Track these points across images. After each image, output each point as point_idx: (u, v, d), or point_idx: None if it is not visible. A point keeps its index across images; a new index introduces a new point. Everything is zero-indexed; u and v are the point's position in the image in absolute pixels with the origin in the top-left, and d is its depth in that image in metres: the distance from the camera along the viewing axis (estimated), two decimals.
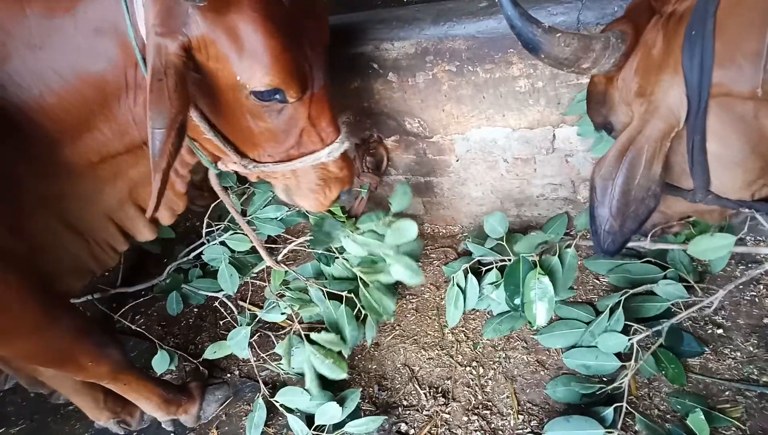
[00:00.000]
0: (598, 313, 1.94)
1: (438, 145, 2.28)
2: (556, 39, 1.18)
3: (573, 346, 1.93)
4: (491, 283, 2.08)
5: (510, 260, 2.03)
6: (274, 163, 1.50)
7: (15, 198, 1.36)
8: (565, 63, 1.23)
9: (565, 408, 1.84)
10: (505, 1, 1.14)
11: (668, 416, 1.74)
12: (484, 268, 2.17)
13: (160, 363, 2.20)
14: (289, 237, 2.33)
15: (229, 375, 2.24)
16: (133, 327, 2.45)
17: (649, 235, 1.81)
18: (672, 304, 1.92)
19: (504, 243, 2.10)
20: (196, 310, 2.58)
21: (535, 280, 1.84)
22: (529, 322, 1.88)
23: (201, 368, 2.25)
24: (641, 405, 1.77)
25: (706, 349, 1.83)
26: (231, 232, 2.26)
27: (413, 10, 2.01)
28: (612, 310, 1.86)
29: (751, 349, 1.81)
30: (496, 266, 2.09)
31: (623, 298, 1.87)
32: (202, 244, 2.41)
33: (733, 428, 1.65)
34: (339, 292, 1.97)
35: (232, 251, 2.28)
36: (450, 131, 2.21)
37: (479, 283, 2.10)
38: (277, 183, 1.67)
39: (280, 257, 2.09)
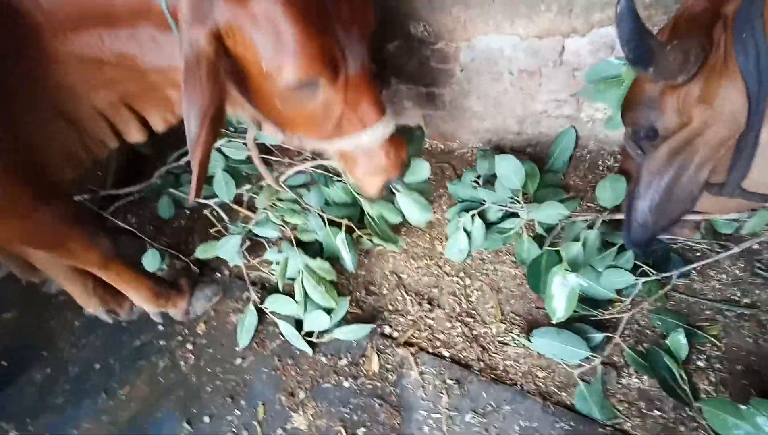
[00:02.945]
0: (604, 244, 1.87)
1: (442, 52, 2.19)
2: (668, 55, 1.18)
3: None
4: (501, 230, 2.03)
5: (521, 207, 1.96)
6: (317, 141, 1.44)
7: (10, 83, 1.31)
8: (670, 76, 1.23)
9: (548, 323, 1.87)
10: (627, 10, 1.11)
11: (648, 332, 1.77)
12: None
13: (151, 261, 2.21)
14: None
15: (219, 274, 2.26)
16: (122, 225, 2.44)
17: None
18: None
19: (520, 198, 1.99)
20: (188, 212, 2.57)
21: (560, 274, 1.74)
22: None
23: (192, 266, 2.26)
24: (627, 328, 1.79)
25: (693, 271, 1.84)
26: (227, 139, 2.21)
27: None
28: (622, 248, 1.80)
29: (737, 272, 1.82)
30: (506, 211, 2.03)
31: None
32: None
33: (709, 344, 1.69)
34: (338, 219, 1.95)
35: (227, 158, 2.23)
36: (456, 37, 2.11)
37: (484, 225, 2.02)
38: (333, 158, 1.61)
39: (282, 179, 2.04)
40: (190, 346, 2.06)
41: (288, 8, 1.10)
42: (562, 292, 1.73)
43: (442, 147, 2.56)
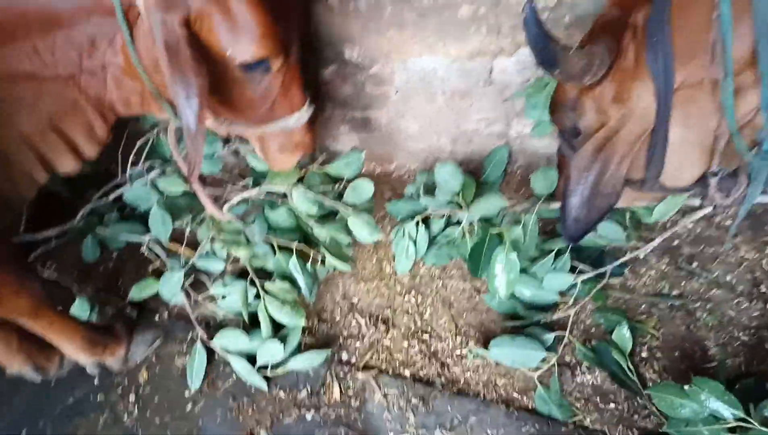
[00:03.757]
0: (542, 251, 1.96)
1: (377, 76, 2.23)
2: (570, 58, 1.27)
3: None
4: (445, 237, 2.08)
5: (461, 211, 2.02)
6: (247, 124, 1.57)
7: None
8: (574, 78, 1.33)
9: (501, 332, 1.93)
10: (531, 20, 1.21)
11: (593, 330, 1.88)
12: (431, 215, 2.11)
13: (80, 310, 2.04)
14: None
15: (157, 316, 2.12)
16: (44, 276, 2.23)
17: None
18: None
19: (460, 199, 2.05)
20: (114, 255, 2.40)
21: (503, 254, 1.82)
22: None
23: (128, 309, 2.10)
24: (574, 328, 1.89)
25: (625, 270, 1.98)
26: (158, 171, 2.10)
27: None
28: (559, 253, 1.89)
29: (663, 267, 1.98)
30: (446, 217, 2.08)
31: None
32: (119, 185, 2.23)
33: (649, 335, 1.82)
34: (287, 244, 1.94)
35: (161, 193, 2.12)
36: (391, 60, 2.16)
37: (428, 233, 2.07)
38: (250, 141, 1.75)
39: (226, 208, 1.97)
40: (132, 397, 1.91)
41: None
42: (503, 271, 1.82)
43: (380, 169, 2.59)
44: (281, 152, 1.71)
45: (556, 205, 1.95)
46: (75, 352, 1.82)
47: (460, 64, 2.09)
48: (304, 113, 1.61)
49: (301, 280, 1.90)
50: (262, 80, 1.43)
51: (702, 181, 1.54)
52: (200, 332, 1.91)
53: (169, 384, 1.91)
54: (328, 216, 2.06)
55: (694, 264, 1.96)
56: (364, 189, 1.95)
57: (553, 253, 1.91)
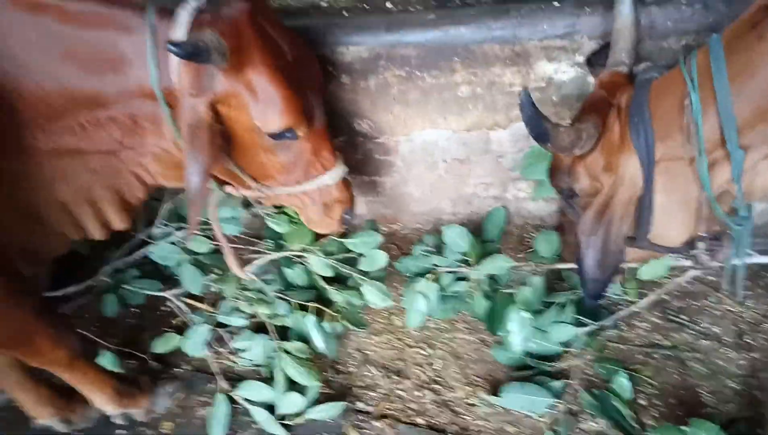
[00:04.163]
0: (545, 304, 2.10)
1: (384, 145, 2.45)
2: (560, 133, 1.50)
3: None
4: (453, 292, 2.21)
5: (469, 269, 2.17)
6: (284, 187, 1.72)
7: None
8: (564, 150, 1.56)
9: (509, 379, 2.04)
10: (526, 101, 1.45)
11: (593, 379, 2.00)
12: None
13: (105, 363, 2.13)
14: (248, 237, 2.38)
15: (178, 369, 2.22)
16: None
17: None
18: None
19: (469, 258, 2.20)
20: (133, 310, 2.52)
21: (514, 313, 1.96)
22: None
23: (150, 362, 2.20)
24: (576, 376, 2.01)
25: (621, 323, 2.13)
26: (183, 230, 2.26)
27: (368, 19, 2.18)
28: (563, 305, 2.04)
29: (655, 319, 2.14)
30: (454, 273, 2.21)
31: (574, 297, 2.06)
32: (143, 243, 2.39)
33: (645, 383, 1.94)
34: (305, 303, 2.08)
35: (189, 252, 2.29)
36: (396, 132, 2.39)
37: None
38: (289, 206, 1.91)
39: (250, 268, 2.11)
40: None
41: (274, 76, 1.43)
42: (518, 329, 1.95)
43: (386, 229, 2.76)
44: (323, 212, 1.82)
45: (560, 265, 2.13)
46: (104, 402, 1.91)
47: (459, 135, 2.32)
48: (338, 170, 1.75)
49: (317, 339, 2.03)
50: (291, 146, 1.59)
51: (690, 243, 1.73)
52: (223, 384, 2.01)
53: (192, 433, 1.99)
54: (342, 277, 2.20)
55: (683, 316, 2.12)
56: (378, 259, 2.11)
57: (557, 306, 2.06)
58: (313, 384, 1.93)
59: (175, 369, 2.22)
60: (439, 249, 2.32)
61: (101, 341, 2.21)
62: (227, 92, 1.41)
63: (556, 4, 1.96)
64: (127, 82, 1.42)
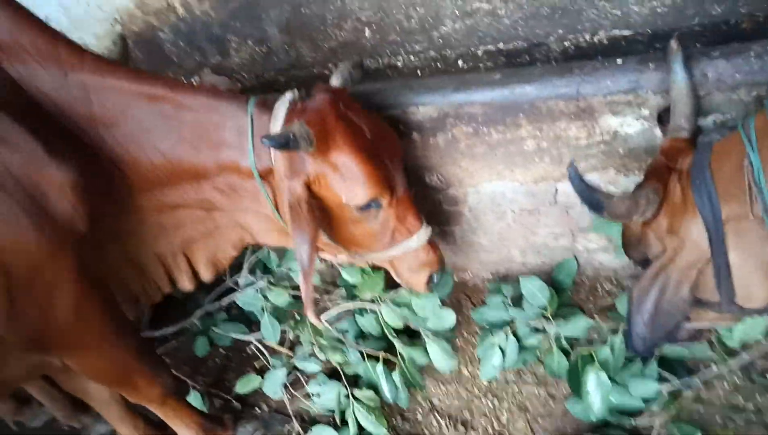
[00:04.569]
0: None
1: (452, 196, 2.55)
2: (615, 202, 1.56)
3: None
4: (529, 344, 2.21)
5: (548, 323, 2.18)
6: (376, 252, 1.85)
7: (103, 226, 1.58)
8: (621, 217, 1.60)
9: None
10: (574, 176, 1.54)
11: None
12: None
13: (194, 401, 2.33)
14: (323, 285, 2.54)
15: (258, 410, 2.37)
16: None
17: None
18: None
19: (549, 314, 2.20)
20: (221, 351, 2.73)
21: (594, 374, 1.96)
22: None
23: (233, 402, 2.38)
24: None
25: (698, 382, 2.04)
26: (267, 282, 2.46)
27: (437, 79, 2.31)
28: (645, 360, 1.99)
29: (737, 380, 2.03)
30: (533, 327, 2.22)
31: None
32: (231, 290, 2.60)
33: None
34: (376, 352, 2.18)
35: (269, 301, 2.47)
36: (464, 184, 2.48)
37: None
38: (385, 266, 2.02)
39: (324, 317, 2.25)
40: None
41: (355, 155, 1.59)
42: (596, 390, 1.93)
43: (456, 279, 2.82)
44: (411, 272, 1.90)
45: None
46: None
47: (526, 187, 2.37)
48: (423, 234, 1.83)
49: (385, 388, 2.11)
50: (377, 215, 1.72)
51: None
52: (296, 426, 2.14)
53: None
54: (413, 332, 2.27)
55: None
56: (447, 318, 2.14)
57: (640, 361, 2.00)
58: (381, 431, 2.00)
59: (255, 409, 2.38)
60: (513, 301, 2.35)
61: (189, 381, 2.42)
62: (317, 173, 1.59)
63: (619, 61, 2.00)
64: (227, 161, 1.65)
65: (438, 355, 2.08)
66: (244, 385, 2.31)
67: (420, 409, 2.22)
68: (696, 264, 1.59)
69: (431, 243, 1.89)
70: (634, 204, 1.59)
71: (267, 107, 1.66)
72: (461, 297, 2.70)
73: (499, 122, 2.21)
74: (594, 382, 1.94)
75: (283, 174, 1.58)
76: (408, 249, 1.81)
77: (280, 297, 2.37)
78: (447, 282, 2.31)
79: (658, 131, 2.00)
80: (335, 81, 1.87)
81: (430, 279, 1.91)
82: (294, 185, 1.58)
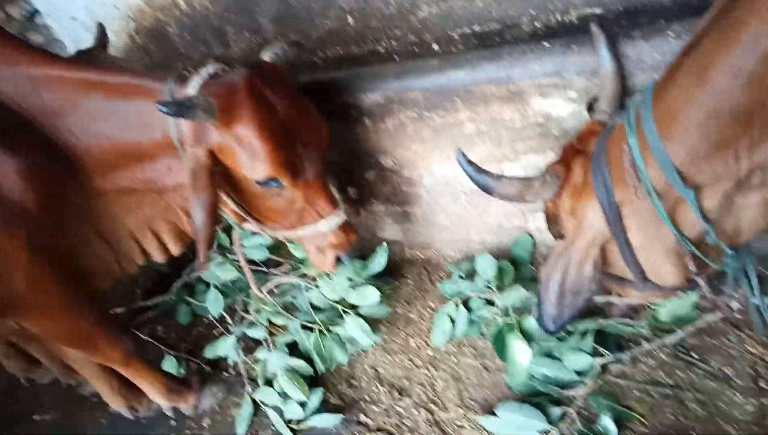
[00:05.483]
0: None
1: (409, 178, 2.65)
2: (503, 183, 1.65)
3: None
4: (478, 317, 2.34)
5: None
6: (284, 229, 1.97)
7: (61, 208, 1.81)
8: (514, 198, 1.69)
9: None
10: (462, 160, 1.66)
11: (585, 413, 2.00)
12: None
13: (169, 366, 2.59)
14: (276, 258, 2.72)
15: (225, 373, 2.61)
16: (143, 336, 2.83)
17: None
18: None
19: (494, 288, 2.31)
20: (206, 320, 2.98)
21: (515, 341, 2.08)
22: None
23: (204, 366, 2.62)
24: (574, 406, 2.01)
25: (625, 356, 2.09)
26: (219, 261, 2.66)
27: (382, 67, 2.42)
28: (583, 334, 2.07)
29: (663, 356, 2.06)
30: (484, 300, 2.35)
31: (595, 326, 2.05)
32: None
33: (637, 422, 1.90)
34: (312, 324, 2.35)
35: (218, 278, 2.67)
36: (418, 167, 2.58)
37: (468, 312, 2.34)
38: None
39: (270, 287, 2.46)
40: None
41: (258, 131, 1.66)
42: (520, 355, 2.04)
43: (421, 256, 2.94)
44: (318, 252, 2.01)
45: None
46: (157, 396, 2.34)
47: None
48: (334, 219, 1.90)
49: (316, 359, 2.30)
50: (281, 193, 1.82)
51: (692, 282, 1.71)
52: (248, 387, 2.36)
53: (224, 429, 2.35)
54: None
55: (694, 354, 2.02)
56: (370, 296, 2.27)
57: (579, 334, 2.08)
58: (302, 398, 2.19)
59: (224, 373, 2.62)
60: (471, 276, 2.47)
61: (166, 348, 2.68)
62: (220, 143, 1.68)
63: (546, 45, 2.04)
64: (158, 138, 1.78)
65: (357, 332, 2.23)
66: (211, 350, 2.54)
67: (365, 377, 2.38)
68: (595, 243, 1.64)
69: (346, 226, 1.97)
70: (526, 186, 1.66)
71: (185, 81, 1.75)
72: (422, 273, 2.82)
73: (439, 107, 2.30)
74: (515, 349, 2.05)
75: (188, 142, 1.68)
76: (317, 231, 1.91)
77: (227, 273, 2.58)
78: (382, 255, 2.43)
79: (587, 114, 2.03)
80: (266, 56, 1.93)
81: (338, 259, 2.01)
82: (197, 152, 1.66)
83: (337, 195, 2.00)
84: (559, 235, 1.88)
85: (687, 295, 1.83)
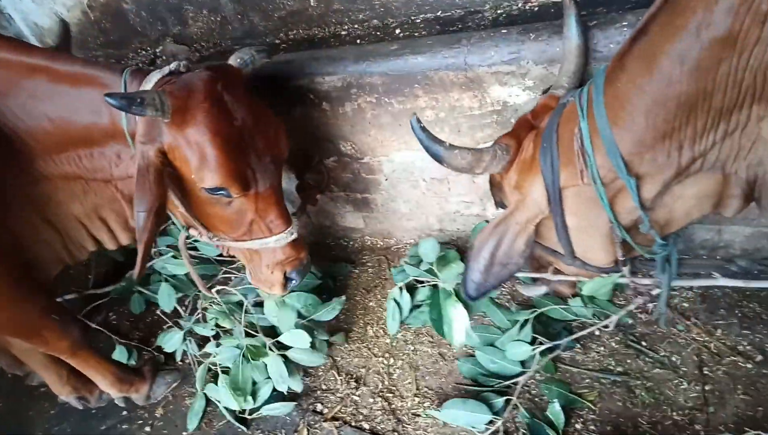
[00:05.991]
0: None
1: (369, 165, 2.62)
2: (454, 154, 1.61)
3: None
4: (422, 301, 2.36)
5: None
6: (232, 240, 1.87)
7: (2, 190, 1.72)
8: (463, 170, 1.66)
9: (459, 394, 2.12)
10: (416, 126, 1.62)
11: (538, 400, 2.02)
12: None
13: (119, 355, 2.53)
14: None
15: (180, 362, 2.56)
16: (93, 325, 2.72)
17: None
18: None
19: (434, 268, 2.31)
20: (160, 308, 2.91)
21: (452, 307, 2.10)
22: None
23: (157, 355, 2.57)
24: (524, 396, 2.05)
25: (577, 345, 2.12)
26: (171, 255, 2.60)
27: (340, 50, 2.36)
28: (522, 325, 2.09)
29: (614, 344, 2.10)
30: (429, 285, 2.33)
31: (533, 315, 2.08)
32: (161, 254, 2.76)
33: (586, 409, 1.94)
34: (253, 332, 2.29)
35: (172, 275, 2.64)
36: (377, 153, 2.54)
37: (413, 299, 2.35)
38: (240, 258, 2.03)
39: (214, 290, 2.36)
40: (148, 429, 2.32)
41: (210, 137, 1.58)
42: (457, 319, 2.07)
43: (381, 243, 2.92)
44: (267, 269, 1.90)
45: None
46: (107, 386, 2.28)
47: None
48: (285, 236, 1.80)
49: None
50: (230, 203, 1.71)
51: (618, 264, 1.73)
52: (198, 383, 2.31)
53: (177, 420, 2.31)
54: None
55: (643, 342, 2.06)
56: (300, 339, 2.19)
57: (518, 326, 2.10)
58: (231, 403, 2.15)
59: (178, 362, 2.57)
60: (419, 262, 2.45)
61: (116, 337, 2.61)
62: (171, 144, 1.60)
63: (504, 31, 2.02)
64: (106, 125, 1.71)
65: (275, 374, 2.17)
66: (163, 340, 2.48)
67: (323, 366, 2.36)
68: (533, 220, 1.65)
69: (297, 244, 1.87)
70: (477, 159, 1.64)
71: (143, 75, 1.69)
72: (382, 261, 2.80)
73: (398, 93, 2.26)
74: (453, 313, 2.10)
75: (139, 138, 1.61)
76: (265, 246, 1.81)
77: (178, 268, 2.52)
78: (334, 308, 2.37)
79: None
80: (232, 60, 1.86)
81: (287, 280, 1.92)
82: (147, 150, 1.58)
83: (290, 209, 1.92)
84: (500, 204, 1.88)
85: (610, 276, 1.87)
